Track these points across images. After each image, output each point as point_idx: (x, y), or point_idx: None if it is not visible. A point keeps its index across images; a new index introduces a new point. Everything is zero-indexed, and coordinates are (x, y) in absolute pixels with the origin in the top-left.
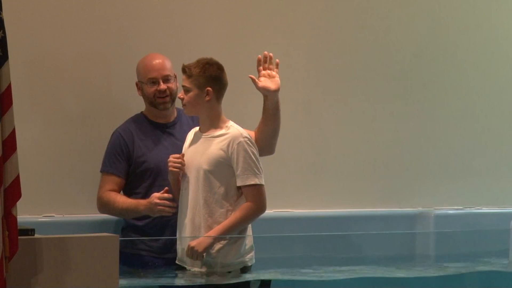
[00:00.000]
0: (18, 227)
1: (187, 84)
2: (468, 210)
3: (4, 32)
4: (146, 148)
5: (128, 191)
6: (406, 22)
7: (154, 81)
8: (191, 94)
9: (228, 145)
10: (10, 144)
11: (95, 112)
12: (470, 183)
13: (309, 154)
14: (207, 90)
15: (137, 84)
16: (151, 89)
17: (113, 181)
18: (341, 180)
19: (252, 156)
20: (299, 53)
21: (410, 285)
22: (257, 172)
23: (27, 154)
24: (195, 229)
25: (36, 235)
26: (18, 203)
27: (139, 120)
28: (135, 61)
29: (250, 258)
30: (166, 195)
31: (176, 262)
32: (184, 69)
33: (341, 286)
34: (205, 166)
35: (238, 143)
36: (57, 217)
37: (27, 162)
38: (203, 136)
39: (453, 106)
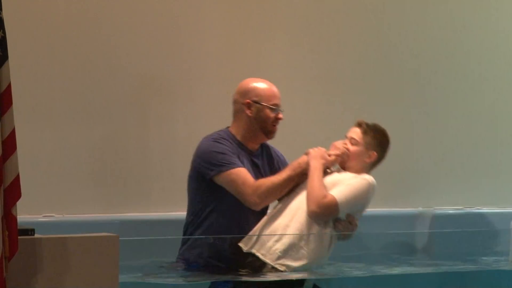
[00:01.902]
0: (18, 227)
1: (358, 139)
2: (468, 210)
3: (4, 32)
4: None
5: (199, 200)
6: (405, 22)
7: (276, 109)
8: (357, 148)
9: (355, 177)
10: (10, 144)
11: (95, 112)
12: (470, 183)
13: None
14: (372, 153)
15: (249, 103)
16: (272, 115)
17: (247, 172)
18: None
19: (355, 193)
20: (298, 54)
21: (410, 285)
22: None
23: (27, 154)
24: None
25: (36, 235)
26: (18, 203)
27: (229, 137)
28: (135, 61)
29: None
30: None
31: (239, 244)
32: (361, 124)
33: (340, 285)
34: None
35: (365, 188)
36: (57, 217)
37: (27, 162)
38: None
39: (453, 106)
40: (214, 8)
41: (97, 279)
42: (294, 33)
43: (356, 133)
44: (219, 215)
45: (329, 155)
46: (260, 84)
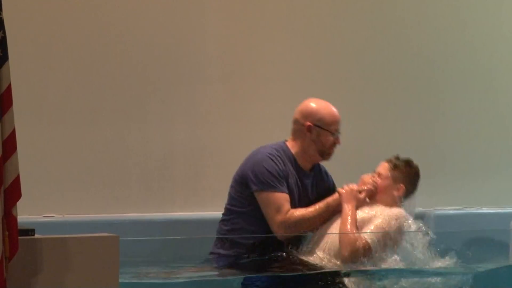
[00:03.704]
0: (18, 227)
1: (385, 173)
2: (468, 210)
3: (4, 32)
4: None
5: (236, 201)
6: (406, 22)
7: (335, 133)
8: (385, 182)
9: (385, 215)
10: (10, 144)
11: (95, 112)
12: (470, 183)
13: None
14: (400, 186)
15: (310, 126)
16: (331, 139)
17: (287, 199)
18: (342, 182)
19: (386, 233)
20: (302, 54)
21: (410, 285)
22: None
23: (27, 154)
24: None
25: (36, 235)
26: (18, 203)
27: (285, 152)
28: (136, 62)
29: None
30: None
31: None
32: (391, 160)
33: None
34: None
35: (395, 222)
36: (57, 217)
37: (27, 162)
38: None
39: (454, 106)
40: (215, 8)
41: (98, 279)
42: (295, 33)
43: (384, 168)
44: (249, 222)
45: (360, 192)
46: (323, 108)
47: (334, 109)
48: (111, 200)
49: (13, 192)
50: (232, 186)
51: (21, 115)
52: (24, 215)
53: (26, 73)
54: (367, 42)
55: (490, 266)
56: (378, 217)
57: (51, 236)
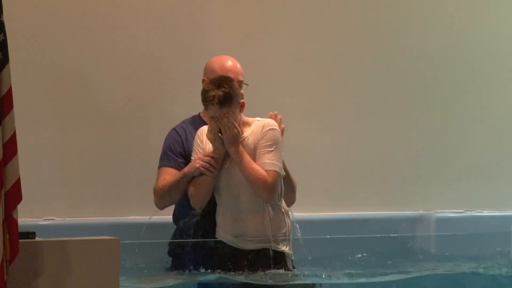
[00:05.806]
0: (19, 230)
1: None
2: (469, 213)
3: (5, 35)
4: None
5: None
6: (407, 24)
7: None
8: (233, 118)
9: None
10: (10, 147)
11: (96, 115)
12: (471, 186)
13: (310, 157)
14: (241, 104)
15: (204, 81)
16: None
17: (170, 172)
18: (342, 183)
19: (279, 146)
20: (300, 56)
21: None
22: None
23: (27, 157)
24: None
25: (37, 238)
26: (18, 206)
27: (196, 121)
28: (135, 65)
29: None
30: (207, 158)
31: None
32: (214, 102)
33: None
34: None
35: (271, 131)
36: (58, 220)
37: (28, 165)
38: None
39: (455, 109)
40: (216, 10)
41: (98, 282)
42: (295, 36)
43: (219, 111)
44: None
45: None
46: (214, 62)
47: (225, 60)
48: (111, 203)
49: (14, 195)
50: None
51: (22, 118)
52: (25, 218)
53: (27, 76)
54: (368, 45)
55: (490, 269)
56: (260, 139)
57: (51, 239)
